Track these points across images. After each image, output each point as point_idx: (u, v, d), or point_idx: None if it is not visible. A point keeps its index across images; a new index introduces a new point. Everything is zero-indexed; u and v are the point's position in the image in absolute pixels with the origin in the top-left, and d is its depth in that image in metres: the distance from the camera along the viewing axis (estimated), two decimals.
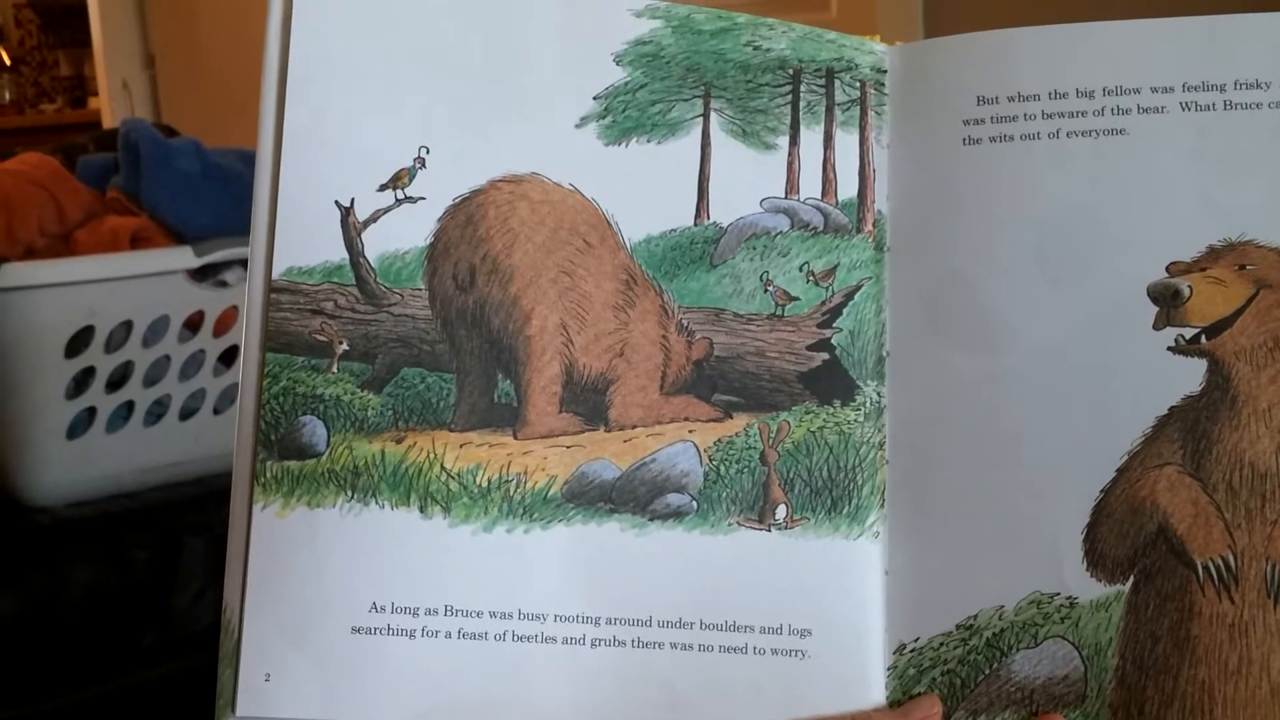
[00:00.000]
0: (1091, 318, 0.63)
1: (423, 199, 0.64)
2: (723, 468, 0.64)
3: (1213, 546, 0.61)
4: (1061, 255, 0.63)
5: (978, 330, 0.64)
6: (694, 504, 0.64)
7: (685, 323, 0.65)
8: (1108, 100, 0.64)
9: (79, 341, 1.15)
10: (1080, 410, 0.63)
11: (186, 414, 1.25)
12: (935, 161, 0.65)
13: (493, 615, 0.63)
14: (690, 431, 0.65)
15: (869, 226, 0.66)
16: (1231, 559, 0.61)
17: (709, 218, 0.66)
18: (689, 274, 0.66)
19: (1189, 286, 0.62)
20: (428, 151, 0.64)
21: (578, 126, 0.66)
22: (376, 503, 0.63)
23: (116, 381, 1.19)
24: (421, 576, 0.62)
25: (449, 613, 0.62)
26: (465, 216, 0.65)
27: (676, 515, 0.64)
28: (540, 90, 0.66)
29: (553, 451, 0.64)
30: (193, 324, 1.23)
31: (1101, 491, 0.62)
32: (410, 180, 0.64)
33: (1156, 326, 0.63)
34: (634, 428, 0.65)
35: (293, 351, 0.63)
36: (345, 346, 0.64)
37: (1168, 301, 0.62)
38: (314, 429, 0.63)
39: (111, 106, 4.34)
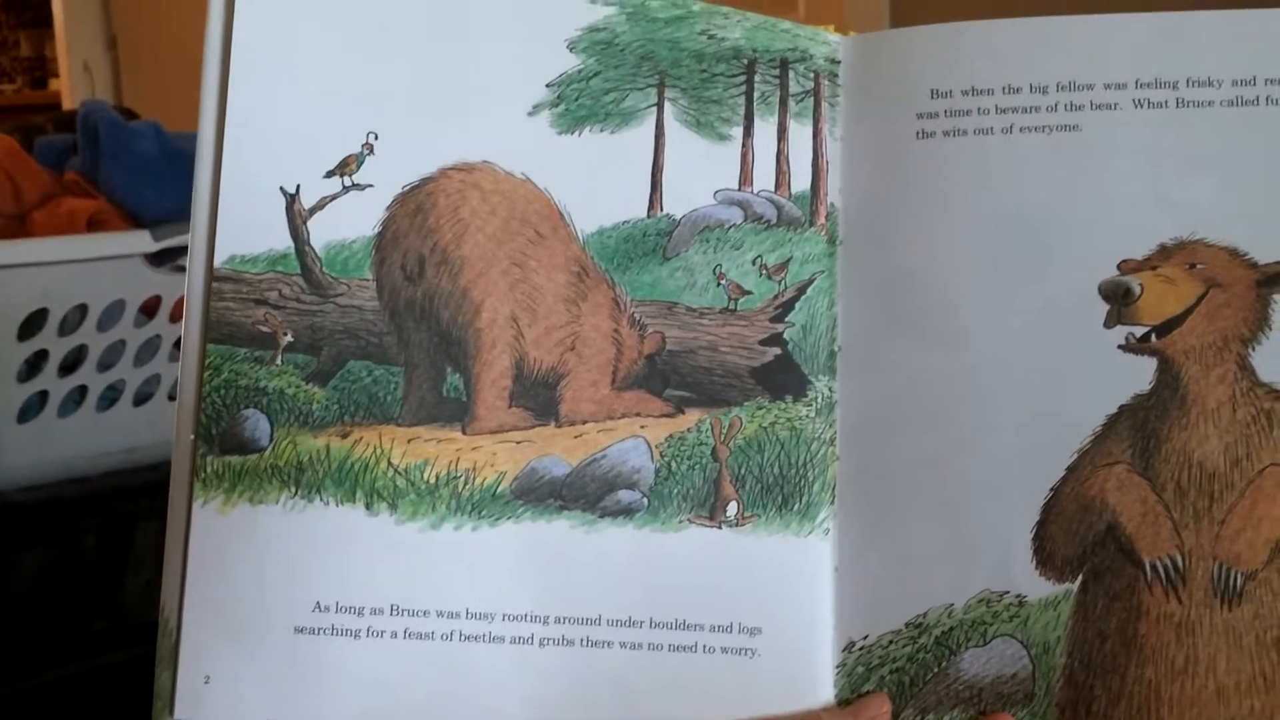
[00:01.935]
0: (1044, 315, 0.63)
1: (370, 186, 0.63)
2: (674, 464, 0.64)
3: (1161, 546, 0.61)
4: (1014, 251, 0.63)
5: (930, 326, 0.63)
6: (645, 501, 0.63)
7: (637, 316, 0.65)
8: (1061, 96, 0.63)
9: (32, 324, 1.14)
10: (1031, 408, 0.62)
11: (141, 399, 1.23)
12: (888, 155, 0.65)
13: (439, 615, 0.62)
14: (642, 427, 0.64)
15: (822, 220, 0.65)
16: (1179, 558, 0.61)
17: (662, 209, 0.65)
18: (641, 267, 0.65)
19: (1140, 284, 0.62)
20: (376, 137, 0.63)
21: (530, 114, 0.65)
22: (321, 499, 0.62)
23: (70, 365, 1.18)
24: (367, 575, 0.61)
25: (395, 612, 0.62)
26: (414, 205, 0.64)
27: (627, 512, 0.63)
28: (492, 76, 0.65)
29: (502, 447, 0.64)
30: (149, 309, 1.22)
31: (1051, 490, 0.62)
32: (358, 167, 0.63)
33: (1108, 324, 0.62)
34: (585, 423, 0.64)
35: (235, 343, 0.63)
36: (290, 338, 0.63)
37: (1119, 299, 0.62)
38: (257, 423, 0.62)
39: (72, 88, 4.29)
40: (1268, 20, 0.63)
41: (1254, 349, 0.62)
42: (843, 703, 0.63)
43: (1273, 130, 0.62)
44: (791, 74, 0.66)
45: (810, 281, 0.65)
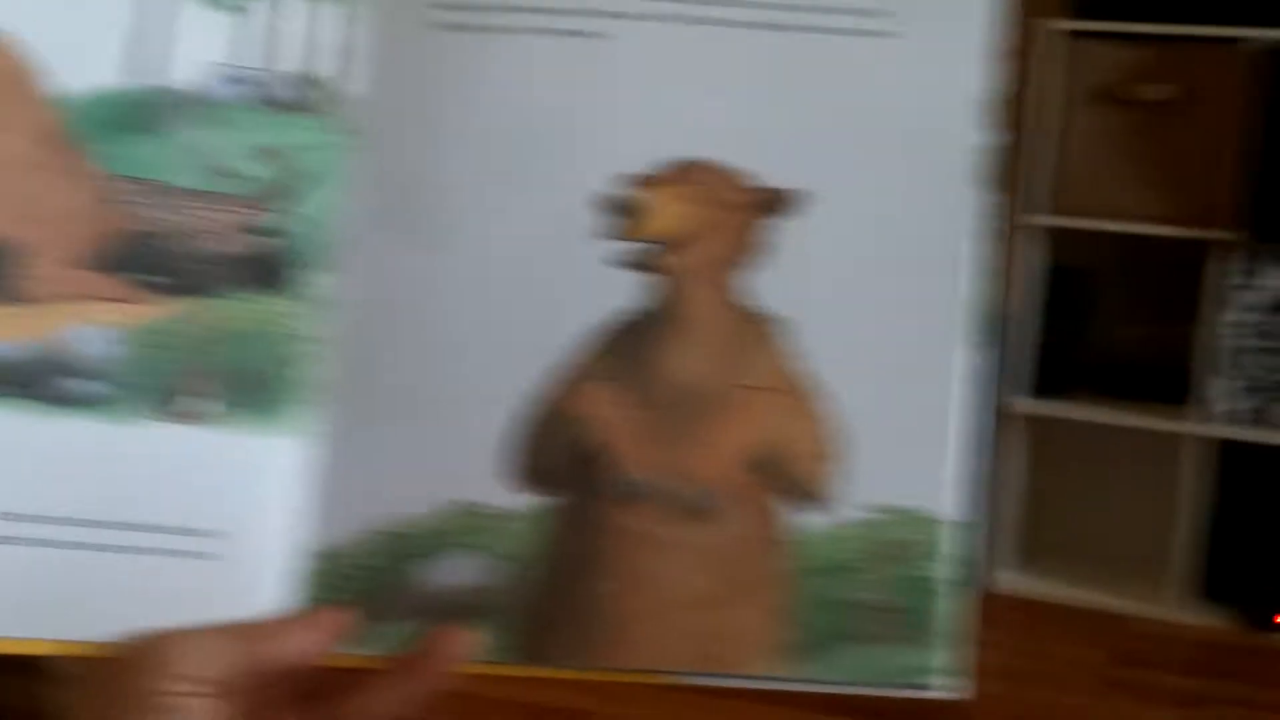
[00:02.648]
0: (544, 224, 0.62)
1: None
2: (141, 353, 0.60)
3: (630, 462, 0.62)
4: (522, 156, 0.62)
5: (429, 228, 0.62)
6: (105, 391, 0.59)
7: (114, 192, 0.60)
8: (587, 1, 0.62)
9: None
10: (519, 317, 0.61)
11: None
12: (404, 45, 0.62)
13: None
14: (109, 312, 0.60)
15: (328, 106, 0.62)
16: (652, 475, 0.62)
17: (153, 78, 0.60)
18: (123, 138, 0.60)
19: (642, 200, 0.62)
20: None
21: None
22: None
23: None
24: None
25: None
26: None
27: (84, 403, 0.59)
28: None
29: None
30: None
31: (530, 402, 0.61)
32: None
33: (607, 238, 0.62)
34: (43, 303, 0.59)
35: None
36: None
37: (620, 213, 0.62)
38: None
39: None
40: None
41: (749, 272, 0.63)
42: (306, 610, 0.61)
43: (788, 57, 0.63)
44: None
45: (312, 171, 0.61)
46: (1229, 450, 2.65)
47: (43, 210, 0.59)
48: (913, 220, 0.63)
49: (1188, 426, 2.61)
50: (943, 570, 0.62)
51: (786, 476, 0.62)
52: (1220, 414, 2.59)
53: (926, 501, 0.62)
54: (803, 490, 0.62)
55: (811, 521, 0.62)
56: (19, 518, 0.58)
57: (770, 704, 2.00)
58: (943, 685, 0.62)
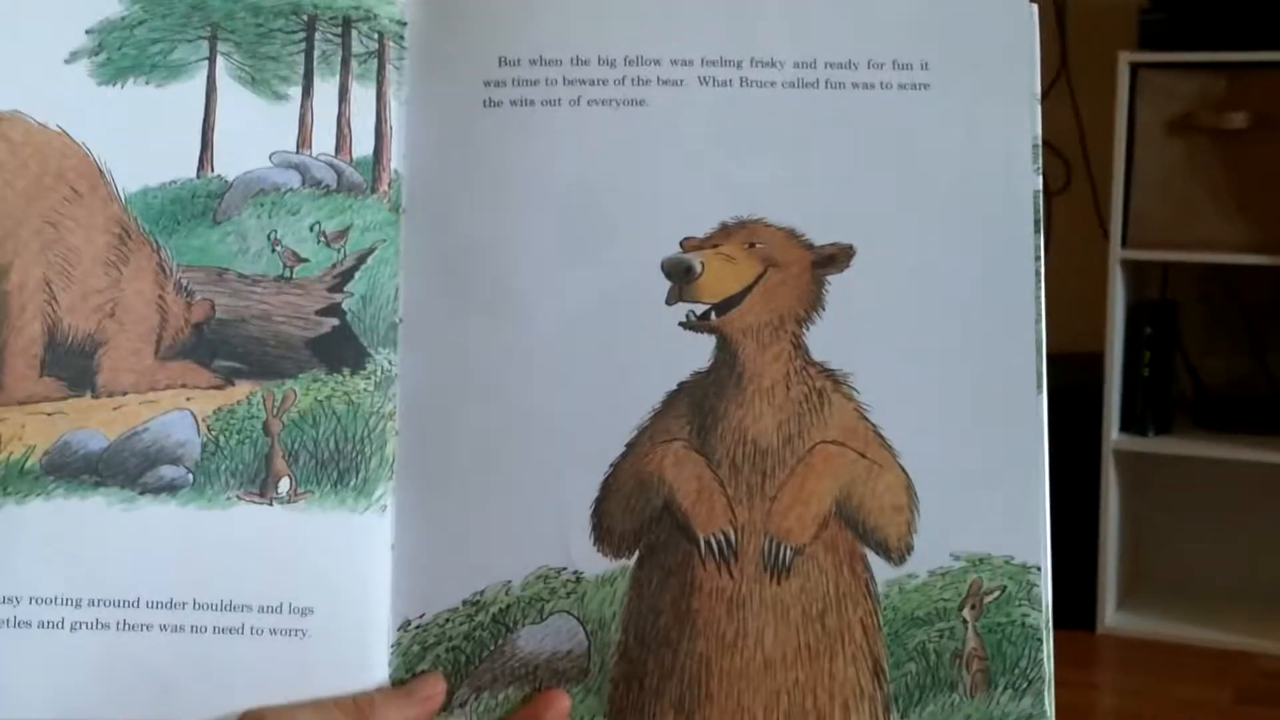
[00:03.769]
0: (606, 291, 0.62)
1: None
2: (222, 438, 0.61)
3: (715, 521, 0.62)
4: (578, 226, 0.62)
5: (493, 300, 0.62)
6: (190, 476, 0.60)
7: (185, 282, 0.61)
8: (629, 70, 0.63)
9: None
10: (592, 385, 0.62)
11: None
12: (455, 122, 0.63)
13: None
14: (188, 399, 0.61)
15: (384, 186, 0.63)
16: (732, 534, 0.62)
17: (213, 170, 0.61)
18: (190, 230, 0.61)
19: (701, 262, 0.62)
20: None
21: (67, 62, 0.61)
22: None
23: None
24: None
25: None
26: None
27: (170, 489, 0.60)
28: (24, 20, 0.60)
29: (31, 419, 0.59)
30: None
31: (610, 466, 0.62)
32: None
33: (669, 301, 0.62)
34: (125, 394, 0.61)
35: None
36: None
37: (680, 277, 0.62)
38: None
39: None
40: (828, 3, 0.63)
41: (808, 329, 0.63)
42: (397, 683, 0.61)
43: (830, 113, 0.63)
44: (354, 33, 0.63)
45: (371, 250, 0.62)
46: None
47: (121, 305, 0.61)
48: (966, 268, 0.62)
49: None
50: (1032, 614, 0.61)
51: (866, 529, 0.62)
52: None
53: (1007, 547, 0.61)
54: (883, 542, 0.62)
55: (896, 573, 0.62)
56: (111, 604, 0.59)
57: None
58: None
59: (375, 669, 0.61)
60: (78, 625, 0.59)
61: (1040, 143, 0.63)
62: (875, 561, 0.62)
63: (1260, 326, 2.74)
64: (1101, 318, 2.63)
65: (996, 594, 0.61)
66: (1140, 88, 2.57)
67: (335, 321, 0.62)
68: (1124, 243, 2.60)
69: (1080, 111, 2.77)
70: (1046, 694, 0.61)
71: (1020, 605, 0.61)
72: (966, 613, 0.61)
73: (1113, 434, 2.64)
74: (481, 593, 0.61)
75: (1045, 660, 0.61)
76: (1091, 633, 2.64)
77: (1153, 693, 2.50)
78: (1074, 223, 2.80)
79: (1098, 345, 2.64)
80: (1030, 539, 0.61)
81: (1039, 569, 0.61)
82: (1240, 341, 2.77)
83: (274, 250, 0.62)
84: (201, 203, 0.61)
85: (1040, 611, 0.61)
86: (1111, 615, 2.67)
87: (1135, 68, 2.55)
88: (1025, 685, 0.61)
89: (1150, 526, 2.80)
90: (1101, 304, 2.63)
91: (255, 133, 0.62)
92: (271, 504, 0.61)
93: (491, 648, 0.61)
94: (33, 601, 0.59)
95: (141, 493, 0.60)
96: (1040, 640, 0.61)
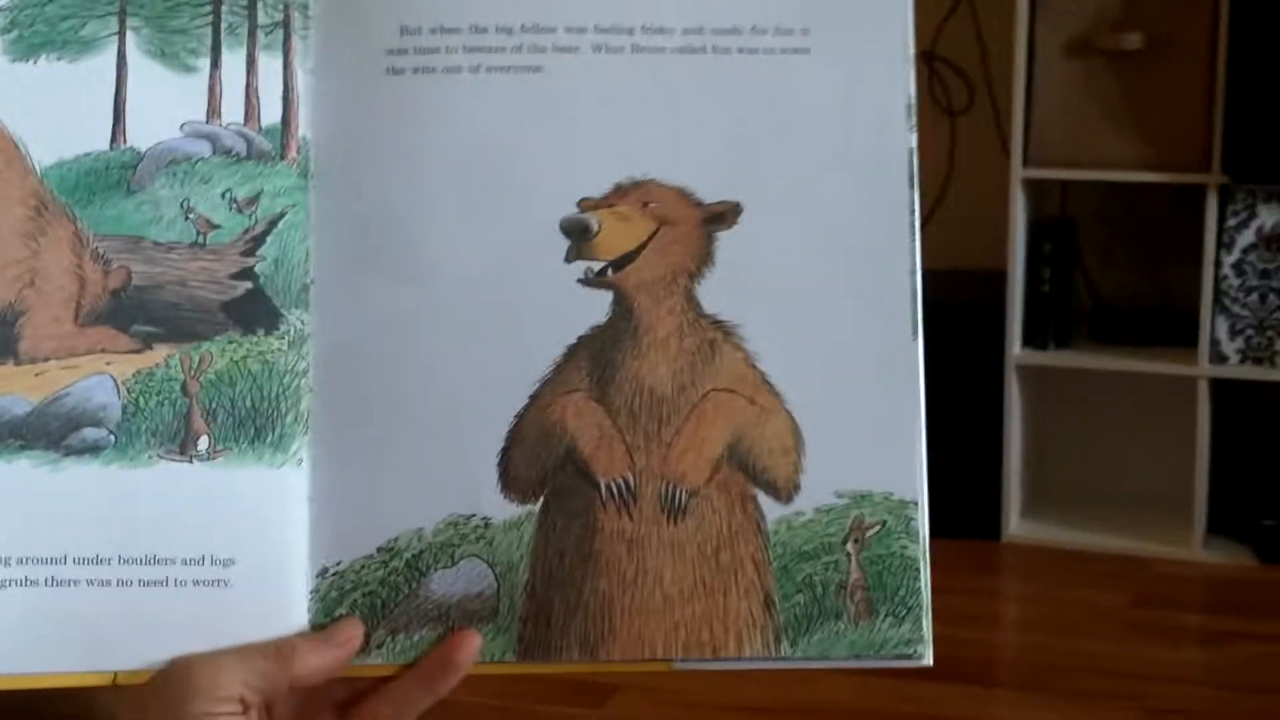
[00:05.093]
0: (507, 250, 0.65)
1: None
2: (142, 400, 0.63)
3: (615, 467, 0.66)
4: (479, 189, 0.65)
5: (399, 260, 0.65)
6: (111, 437, 0.63)
7: (101, 251, 0.64)
8: (525, 37, 0.65)
9: None
10: (495, 339, 0.65)
11: None
12: (359, 90, 0.65)
13: None
14: (107, 364, 0.64)
15: (293, 153, 0.65)
16: (631, 479, 0.66)
17: (126, 142, 0.64)
18: (105, 200, 0.64)
19: (598, 221, 0.65)
20: None
21: None
22: None
23: None
24: None
25: None
26: None
27: (93, 449, 0.63)
28: None
29: None
30: None
31: (515, 417, 0.65)
32: None
33: (568, 259, 0.66)
34: (46, 360, 0.63)
35: None
36: None
37: (578, 236, 0.65)
38: None
39: None
40: None
41: (699, 283, 0.66)
42: (317, 628, 0.64)
43: (716, 78, 0.66)
44: (260, 5, 0.65)
45: (281, 215, 0.65)
46: (1230, 389, 2.68)
47: (40, 274, 0.63)
48: (846, 222, 0.66)
49: (1191, 369, 2.64)
50: (910, 546, 0.66)
51: (756, 470, 0.66)
52: (1220, 353, 2.62)
53: (887, 484, 0.66)
54: (772, 482, 0.66)
55: (784, 511, 0.66)
56: (39, 561, 0.62)
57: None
58: (924, 653, 0.66)
59: (295, 616, 0.64)
60: (7, 582, 0.62)
61: (914, 102, 0.67)
62: (765, 501, 0.66)
63: (1155, 242, 2.82)
64: (1003, 235, 2.69)
65: (877, 528, 0.65)
66: (1039, 9, 2.62)
67: (248, 285, 0.65)
68: (1025, 161, 2.66)
69: (982, 33, 2.81)
70: (925, 619, 0.65)
71: (899, 538, 0.65)
72: (850, 546, 0.65)
73: (1014, 348, 2.71)
74: (395, 540, 0.65)
75: (923, 589, 0.66)
76: (996, 541, 2.73)
77: (1055, 598, 2.58)
78: (976, 142, 2.86)
79: (1000, 262, 2.70)
80: (908, 476, 0.66)
81: (916, 504, 0.66)
82: (1136, 257, 2.85)
83: (187, 218, 0.64)
84: (116, 174, 0.63)
85: (918, 543, 0.66)
86: (1015, 524, 2.76)
87: None
88: (904, 612, 0.65)
89: (1051, 438, 2.88)
90: (1004, 222, 2.69)
91: (166, 104, 0.64)
92: (191, 461, 0.64)
93: (405, 592, 0.65)
94: None
95: (66, 454, 0.63)
96: (918, 570, 0.66)
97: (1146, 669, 2.27)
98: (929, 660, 0.65)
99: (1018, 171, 2.66)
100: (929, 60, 2.83)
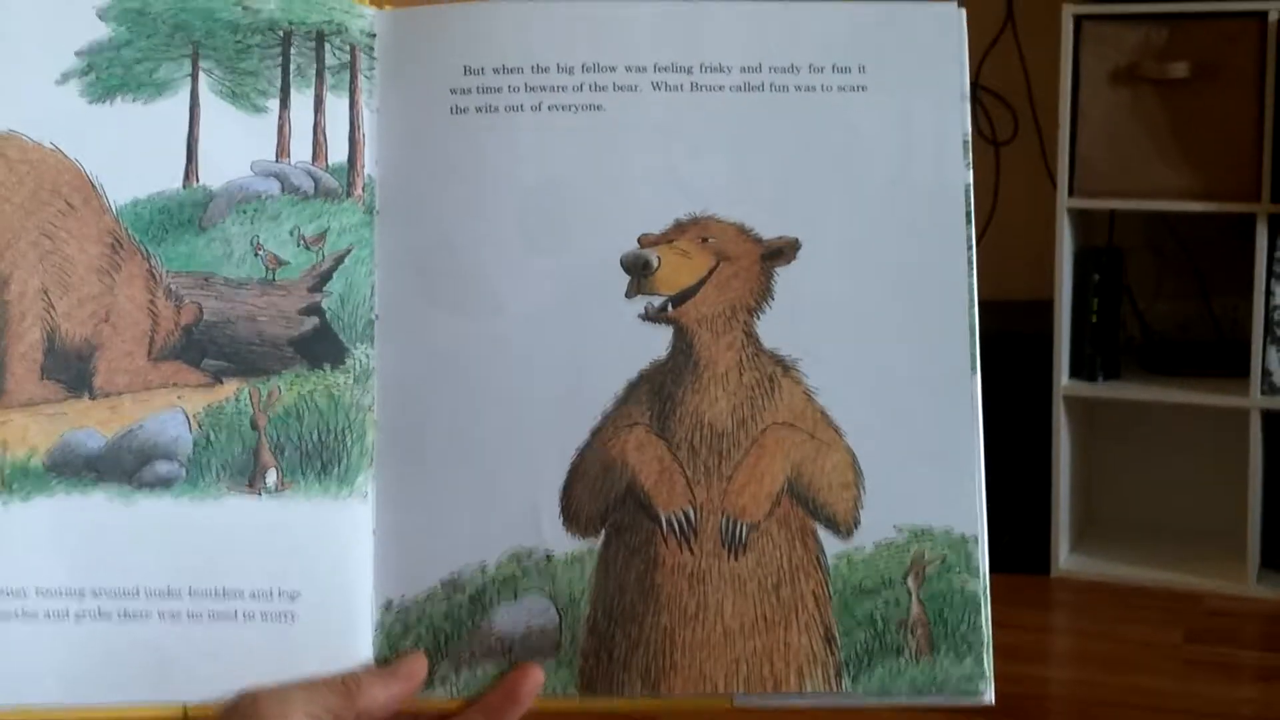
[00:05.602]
0: (569, 285, 0.66)
1: None
2: (212, 434, 0.65)
3: (675, 501, 0.66)
4: (542, 225, 0.66)
5: (463, 295, 0.66)
6: (183, 471, 0.64)
7: (174, 287, 0.65)
8: (586, 76, 0.67)
9: None
10: (557, 374, 0.66)
11: None
12: (423, 128, 0.67)
13: None
14: (179, 398, 0.65)
15: (359, 191, 0.67)
16: (692, 513, 0.66)
17: (198, 181, 0.65)
18: (177, 238, 0.65)
19: (658, 257, 0.66)
20: None
21: (59, 83, 0.64)
22: None
23: None
24: None
25: None
26: None
27: (165, 483, 0.64)
28: (17, 43, 0.63)
29: (34, 421, 0.63)
30: None
31: (577, 451, 0.66)
32: None
33: (628, 295, 0.66)
34: (120, 395, 0.64)
35: None
36: None
37: (639, 271, 0.66)
38: None
39: None
40: (771, 12, 0.67)
41: (758, 318, 0.67)
42: (381, 661, 0.65)
43: (774, 115, 0.67)
44: (328, 47, 0.67)
45: (347, 251, 0.66)
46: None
47: (115, 310, 0.65)
48: (903, 257, 0.67)
49: (1243, 400, 2.62)
50: (971, 581, 0.66)
51: (816, 505, 0.66)
52: (1272, 384, 2.60)
53: (947, 519, 0.66)
54: (832, 517, 0.66)
55: (844, 546, 0.66)
56: (112, 594, 0.63)
57: None
58: (985, 691, 0.66)
59: (360, 649, 0.65)
60: (81, 615, 0.63)
61: (970, 138, 0.67)
62: (825, 535, 0.66)
63: (1204, 270, 2.80)
64: (1050, 265, 2.68)
65: (937, 564, 0.66)
66: (1084, 39, 2.62)
67: (316, 320, 0.66)
68: (1071, 191, 2.65)
69: (1026, 63, 2.81)
70: (986, 656, 0.66)
71: (959, 574, 0.66)
72: (910, 582, 0.66)
73: (1063, 380, 2.70)
74: (458, 573, 0.66)
75: (984, 625, 0.66)
76: (1046, 576, 2.71)
77: (1106, 634, 2.56)
78: (1022, 173, 2.85)
79: (1047, 293, 2.69)
80: (967, 511, 0.66)
81: (976, 539, 0.66)
82: (1185, 286, 2.83)
83: (257, 255, 0.66)
84: (188, 212, 0.65)
85: (978, 579, 0.66)
86: (1065, 559, 2.74)
87: (1079, 19, 2.59)
88: (966, 649, 0.65)
89: (1101, 471, 2.87)
90: (1050, 252, 2.68)
91: (236, 144, 0.65)
92: (260, 495, 0.65)
93: (469, 626, 0.66)
94: (38, 593, 0.63)
95: (138, 488, 0.64)
96: (979, 606, 0.66)
97: (1201, 705, 2.24)
98: (991, 698, 0.65)
99: (1064, 201, 2.65)
100: (973, 90, 2.83)
